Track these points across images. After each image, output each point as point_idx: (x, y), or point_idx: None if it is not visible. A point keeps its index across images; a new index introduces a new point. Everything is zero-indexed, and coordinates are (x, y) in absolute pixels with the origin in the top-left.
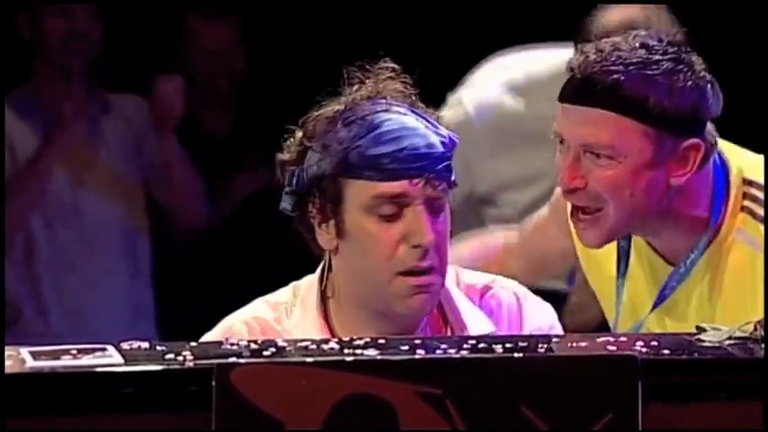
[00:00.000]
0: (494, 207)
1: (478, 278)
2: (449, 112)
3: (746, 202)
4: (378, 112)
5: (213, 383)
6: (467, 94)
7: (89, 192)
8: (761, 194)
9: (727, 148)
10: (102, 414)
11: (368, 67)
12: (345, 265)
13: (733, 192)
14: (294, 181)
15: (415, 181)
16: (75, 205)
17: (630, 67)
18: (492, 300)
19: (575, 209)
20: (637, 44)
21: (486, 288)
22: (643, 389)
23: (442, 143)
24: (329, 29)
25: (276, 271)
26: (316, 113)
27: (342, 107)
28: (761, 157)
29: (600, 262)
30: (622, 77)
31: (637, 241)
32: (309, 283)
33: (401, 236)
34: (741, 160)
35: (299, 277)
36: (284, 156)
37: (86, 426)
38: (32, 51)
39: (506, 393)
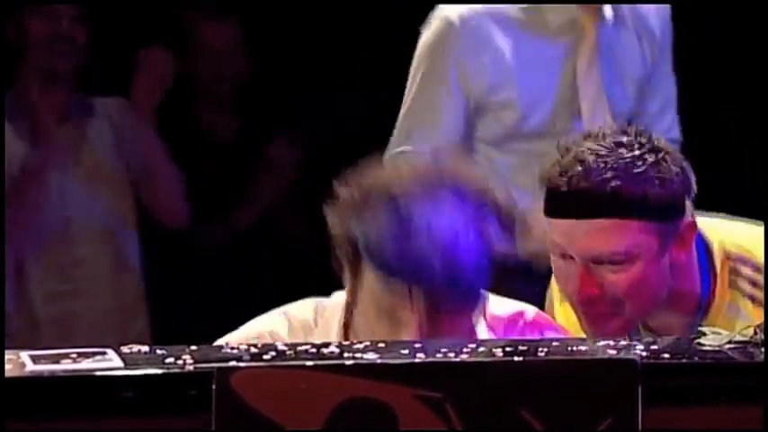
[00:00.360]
0: (490, 114)
1: (506, 308)
2: (430, 26)
3: (732, 277)
4: (416, 207)
5: (213, 387)
6: (447, 8)
7: (75, 195)
8: (744, 269)
9: (702, 222)
10: (103, 417)
11: None
12: (359, 322)
13: (718, 267)
14: (336, 227)
15: (424, 299)
16: (62, 209)
17: (620, 171)
18: (516, 334)
19: (588, 311)
20: (612, 144)
21: (512, 321)
22: (643, 392)
23: (480, 268)
24: (330, 30)
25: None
26: (368, 178)
27: (388, 189)
28: (737, 225)
29: None
30: (618, 183)
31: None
32: (333, 308)
33: (398, 335)
34: (720, 233)
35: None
36: (336, 200)
37: (86, 429)
38: (18, 54)
39: (506, 397)
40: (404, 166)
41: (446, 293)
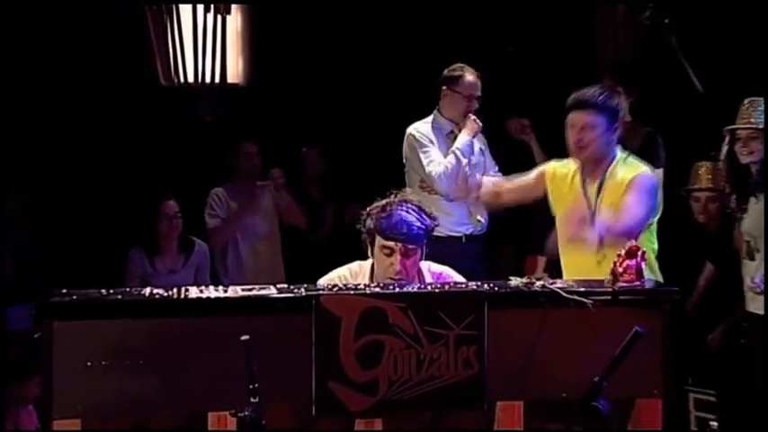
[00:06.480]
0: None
1: (438, 268)
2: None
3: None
4: (396, 210)
5: (313, 302)
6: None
7: (259, 221)
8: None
9: None
10: (266, 315)
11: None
12: (375, 265)
13: None
14: (364, 227)
15: (399, 244)
16: (253, 226)
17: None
18: (440, 277)
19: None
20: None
21: (440, 273)
22: (487, 304)
23: (420, 228)
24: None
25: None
26: (375, 203)
27: (383, 204)
28: None
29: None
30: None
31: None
32: (368, 264)
33: (390, 263)
34: None
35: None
36: (362, 215)
37: (257, 321)
38: (231, 168)
39: (433, 305)
40: (387, 198)
41: (409, 242)
